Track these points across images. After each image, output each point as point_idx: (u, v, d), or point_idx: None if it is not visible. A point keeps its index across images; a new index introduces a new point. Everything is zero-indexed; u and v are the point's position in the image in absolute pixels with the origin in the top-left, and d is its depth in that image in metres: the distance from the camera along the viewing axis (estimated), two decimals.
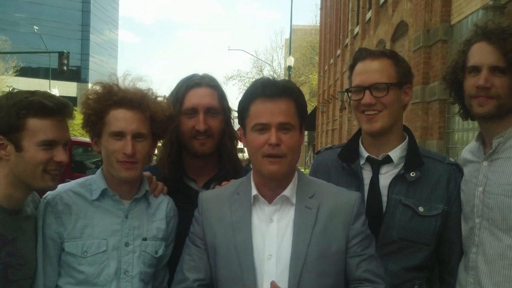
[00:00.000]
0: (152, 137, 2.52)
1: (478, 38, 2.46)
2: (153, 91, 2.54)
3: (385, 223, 2.60)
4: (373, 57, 2.66)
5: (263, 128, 2.23)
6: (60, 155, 2.27)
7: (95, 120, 2.43)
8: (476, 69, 2.43)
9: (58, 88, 55.19)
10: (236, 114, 2.89)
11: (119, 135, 2.39)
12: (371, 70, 2.63)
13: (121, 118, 2.40)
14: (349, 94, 2.73)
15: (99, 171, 2.56)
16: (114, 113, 2.41)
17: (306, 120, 2.39)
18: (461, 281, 2.58)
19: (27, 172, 2.24)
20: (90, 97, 2.46)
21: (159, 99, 2.56)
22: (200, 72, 3.02)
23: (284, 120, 2.22)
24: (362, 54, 2.69)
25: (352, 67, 2.75)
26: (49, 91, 2.46)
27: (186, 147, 2.90)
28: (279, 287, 2.12)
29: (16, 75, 56.67)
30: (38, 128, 2.22)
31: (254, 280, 2.23)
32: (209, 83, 2.94)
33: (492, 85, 2.38)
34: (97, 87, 2.48)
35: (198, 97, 2.86)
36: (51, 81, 58.11)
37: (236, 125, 3.00)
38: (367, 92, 2.60)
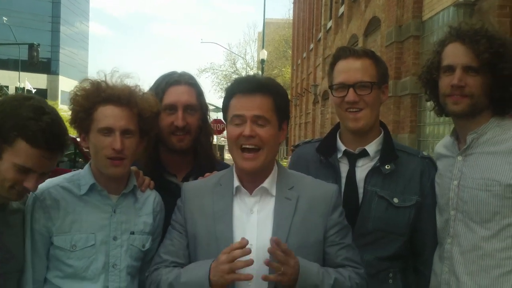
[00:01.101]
0: (140, 133, 2.55)
1: (452, 39, 2.55)
2: (140, 88, 2.57)
3: (361, 214, 2.68)
4: (356, 56, 2.72)
5: (239, 120, 2.31)
6: (30, 183, 2.23)
7: (84, 116, 2.45)
8: (451, 69, 2.52)
9: (28, 81, 54.18)
10: (211, 107, 2.96)
11: (108, 131, 2.41)
12: (355, 69, 2.70)
13: (109, 115, 2.42)
14: (332, 91, 2.80)
15: (87, 166, 2.58)
16: (102, 109, 2.43)
17: (287, 117, 2.47)
18: (436, 270, 2.68)
19: None
20: (78, 93, 2.48)
21: (146, 95, 2.59)
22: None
23: (258, 113, 2.30)
24: (346, 53, 2.75)
25: (333, 65, 2.81)
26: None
27: (164, 142, 2.97)
28: (279, 240, 2.16)
29: None
30: (21, 151, 2.19)
31: None
32: (188, 81, 3.03)
33: (466, 84, 2.47)
34: (85, 84, 2.50)
35: (177, 95, 2.95)
36: (20, 73, 57.05)
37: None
38: (351, 90, 2.67)
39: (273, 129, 2.35)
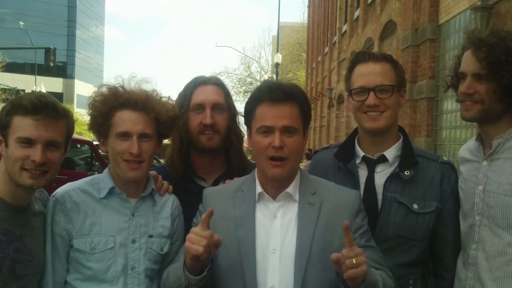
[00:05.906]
0: (157, 137, 2.58)
1: (468, 46, 2.57)
2: (157, 92, 2.59)
3: (381, 220, 2.66)
4: (376, 60, 2.72)
5: (268, 131, 2.31)
6: (35, 155, 2.26)
7: (102, 121, 2.49)
8: (464, 76, 2.55)
9: (44, 84, 54.77)
10: None
11: (125, 135, 2.45)
12: (375, 73, 2.69)
13: (126, 119, 2.46)
14: (351, 95, 2.79)
15: (106, 170, 2.62)
16: (120, 114, 2.47)
17: (309, 123, 2.47)
18: (460, 276, 2.65)
19: (9, 168, 2.29)
20: (97, 99, 2.52)
21: (163, 100, 2.61)
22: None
23: (288, 123, 2.30)
24: (365, 57, 2.75)
25: (351, 69, 2.80)
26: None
27: (193, 143, 3.00)
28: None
29: (2, 71, 55.98)
30: (18, 125, 2.26)
31: (255, 274, 2.29)
32: (215, 82, 3.10)
33: (476, 91, 2.48)
34: (103, 89, 2.54)
35: (205, 94, 3.01)
36: (37, 77, 57.67)
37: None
38: (371, 93, 2.66)
39: (300, 137, 2.37)
